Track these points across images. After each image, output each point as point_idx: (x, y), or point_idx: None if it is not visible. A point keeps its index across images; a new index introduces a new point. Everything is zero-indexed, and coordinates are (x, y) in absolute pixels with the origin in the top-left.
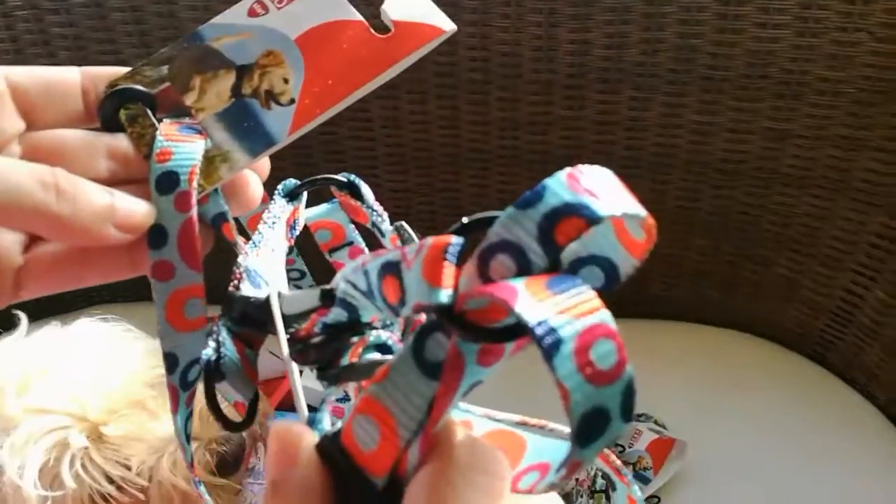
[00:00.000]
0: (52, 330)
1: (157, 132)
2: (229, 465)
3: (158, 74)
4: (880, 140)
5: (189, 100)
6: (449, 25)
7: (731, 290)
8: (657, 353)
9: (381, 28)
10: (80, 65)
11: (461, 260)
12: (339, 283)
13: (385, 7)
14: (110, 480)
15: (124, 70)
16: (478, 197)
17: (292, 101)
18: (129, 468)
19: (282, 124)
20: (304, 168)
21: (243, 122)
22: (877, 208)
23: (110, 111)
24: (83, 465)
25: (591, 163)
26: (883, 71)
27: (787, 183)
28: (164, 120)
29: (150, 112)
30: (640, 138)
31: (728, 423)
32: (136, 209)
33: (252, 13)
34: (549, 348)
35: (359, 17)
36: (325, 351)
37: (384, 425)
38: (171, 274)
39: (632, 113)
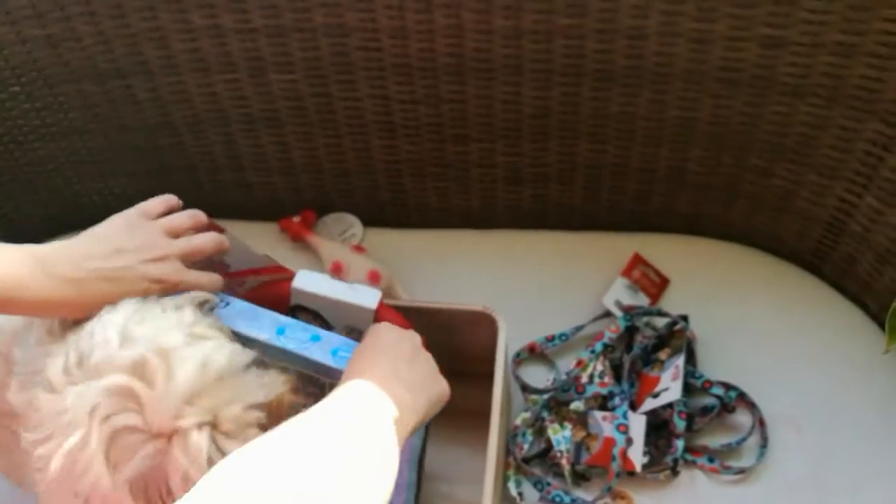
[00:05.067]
0: None
1: None
2: None
3: None
4: (874, 45)
5: None
6: None
7: (730, 203)
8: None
9: None
10: None
11: None
12: None
13: None
14: None
15: None
16: (484, 108)
17: None
18: None
19: None
20: (315, 80)
21: None
22: (871, 115)
23: None
24: None
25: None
26: None
27: (784, 92)
28: None
29: None
30: (640, 47)
31: (727, 333)
32: None
33: None
34: None
35: None
36: None
37: None
38: None
39: (632, 21)
